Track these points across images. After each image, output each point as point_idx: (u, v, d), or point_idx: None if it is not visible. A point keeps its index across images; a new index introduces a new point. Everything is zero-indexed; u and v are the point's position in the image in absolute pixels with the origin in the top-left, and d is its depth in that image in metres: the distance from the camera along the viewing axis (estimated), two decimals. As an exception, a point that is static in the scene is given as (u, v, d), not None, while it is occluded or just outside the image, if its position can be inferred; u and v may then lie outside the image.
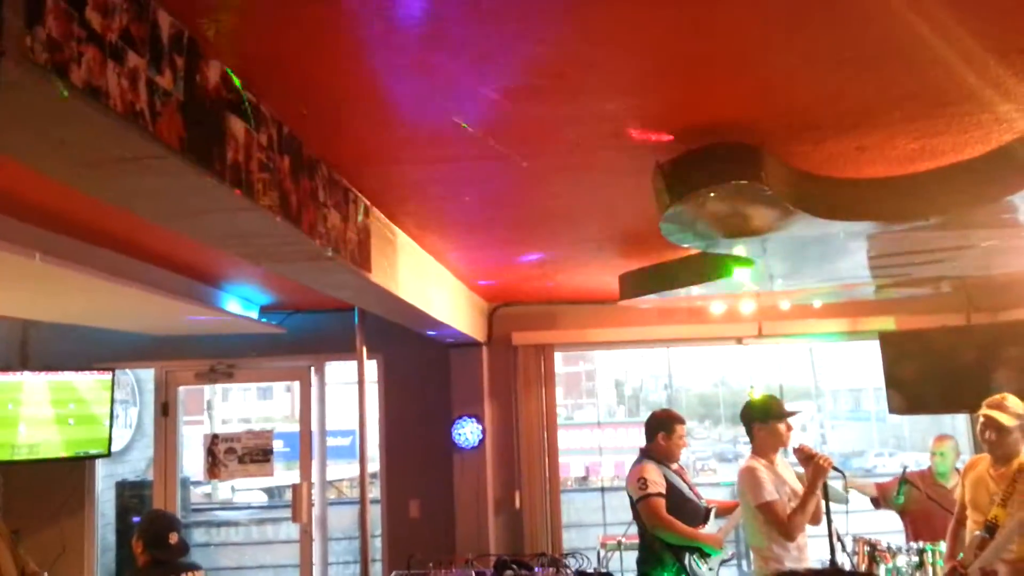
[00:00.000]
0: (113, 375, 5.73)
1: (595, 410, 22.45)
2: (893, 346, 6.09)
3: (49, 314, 5.22)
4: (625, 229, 4.27)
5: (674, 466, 4.80)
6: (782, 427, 4.27)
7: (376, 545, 6.05)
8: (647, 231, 3.76)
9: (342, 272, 3.08)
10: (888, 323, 6.34)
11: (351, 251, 3.07)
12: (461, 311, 5.34)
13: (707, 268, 4.45)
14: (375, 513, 6.12)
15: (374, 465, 6.22)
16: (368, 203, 3.40)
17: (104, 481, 5.98)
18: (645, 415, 5.08)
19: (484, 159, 3.00)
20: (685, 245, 3.59)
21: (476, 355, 6.08)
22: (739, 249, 3.77)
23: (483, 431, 5.90)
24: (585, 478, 13.17)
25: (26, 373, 5.40)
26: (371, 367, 6.14)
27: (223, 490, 9.98)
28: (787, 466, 4.39)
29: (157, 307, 4.64)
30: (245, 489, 9.81)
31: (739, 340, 6.48)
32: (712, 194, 2.81)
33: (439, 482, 5.86)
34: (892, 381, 6.07)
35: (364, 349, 4.88)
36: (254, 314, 5.75)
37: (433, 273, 4.63)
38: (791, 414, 4.33)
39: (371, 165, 3.05)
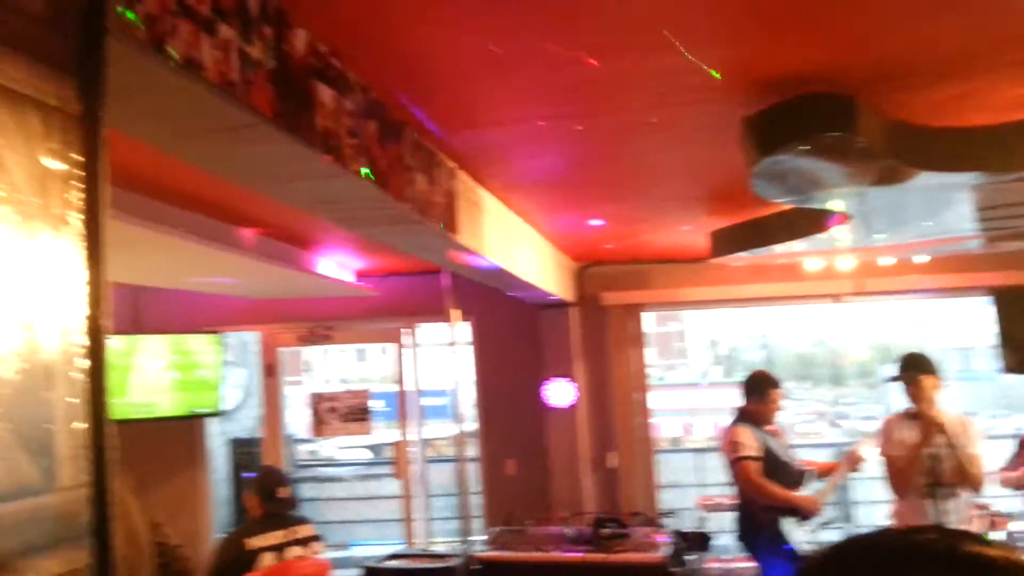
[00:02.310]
0: (220, 338, 6.03)
1: (689, 371, 22.23)
2: (1007, 303, 5.80)
3: (159, 280, 5.53)
4: (714, 185, 4.20)
5: (770, 428, 4.73)
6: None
7: (475, 502, 6.21)
8: (737, 187, 3.68)
9: (429, 235, 3.15)
10: (1000, 279, 6.03)
11: (438, 214, 3.13)
12: (548, 272, 5.37)
13: (803, 223, 4.33)
14: (473, 471, 6.27)
15: (470, 425, 6.36)
16: (454, 166, 3.45)
17: (217, 438, 6.32)
18: (740, 376, 5.01)
19: (569, 118, 3.00)
20: (777, 201, 3.50)
21: (566, 315, 6.10)
22: (834, 203, 3.65)
23: (575, 391, 5.94)
24: (681, 439, 13.11)
25: (142, 336, 5.74)
26: (465, 329, 6.27)
27: (328, 447, 10.38)
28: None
29: (258, 271, 4.85)
30: (350, 446, 10.17)
31: (836, 298, 6.28)
32: (803, 147, 2.73)
33: (534, 441, 5.95)
34: (1006, 340, 5.80)
35: (456, 310, 4.98)
36: (350, 278, 5.93)
37: (520, 234, 4.66)
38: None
39: (457, 128, 3.09)
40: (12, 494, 0.95)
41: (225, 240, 4.23)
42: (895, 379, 4.36)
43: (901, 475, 4.18)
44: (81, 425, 1.06)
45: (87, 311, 1.12)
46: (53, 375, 1.05)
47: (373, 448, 9.93)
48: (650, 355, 6.41)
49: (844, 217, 3.92)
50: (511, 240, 4.45)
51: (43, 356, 1.04)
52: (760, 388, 4.72)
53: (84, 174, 1.18)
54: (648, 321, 6.48)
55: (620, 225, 5.11)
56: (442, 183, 3.31)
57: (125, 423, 5.52)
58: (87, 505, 1.04)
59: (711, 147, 3.39)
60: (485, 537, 5.04)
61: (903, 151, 3.03)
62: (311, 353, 14.71)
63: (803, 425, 14.98)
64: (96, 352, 1.11)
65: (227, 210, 4.05)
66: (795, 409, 16.04)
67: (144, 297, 6.20)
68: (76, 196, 1.16)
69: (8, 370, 0.98)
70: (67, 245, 1.13)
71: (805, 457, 5.18)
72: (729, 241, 4.99)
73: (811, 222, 4.23)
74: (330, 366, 17.74)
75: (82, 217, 1.16)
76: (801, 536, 4.37)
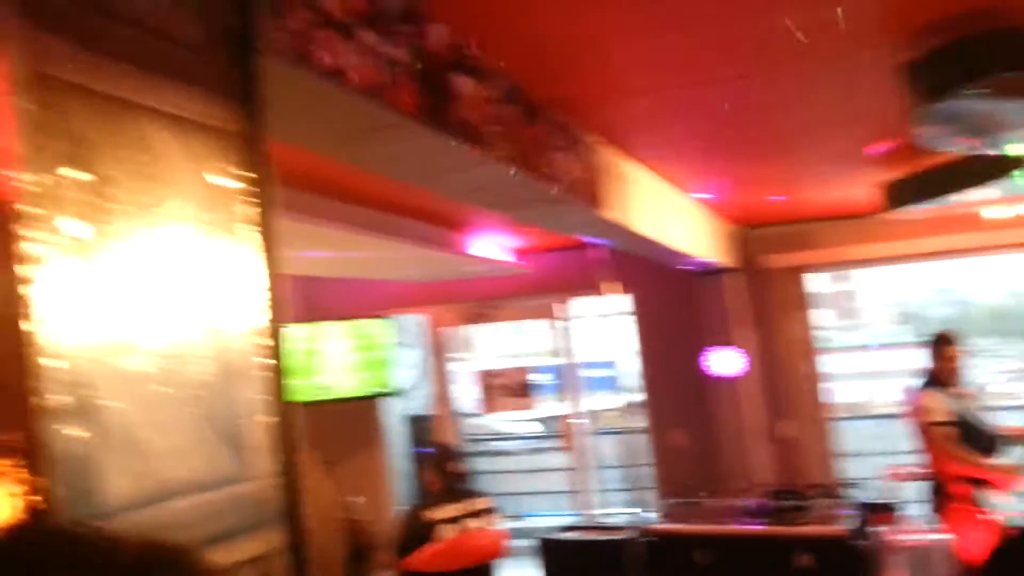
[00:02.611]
0: (392, 321, 6.34)
1: (870, 331, 21.02)
2: None
3: (333, 271, 5.88)
4: (876, 137, 3.95)
5: (961, 390, 4.42)
6: None
7: (645, 474, 6.21)
8: (902, 137, 3.45)
9: (574, 212, 3.17)
10: None
11: (582, 190, 3.14)
12: (705, 238, 5.25)
13: (986, 169, 3.98)
14: (642, 443, 6.26)
15: (636, 396, 6.35)
16: (598, 140, 3.45)
17: (394, 417, 6.67)
18: (926, 335, 4.74)
19: (714, 81, 2.92)
20: (947, 149, 3.25)
21: (727, 282, 5.95)
22: (1016, 148, 3.33)
23: (743, 358, 5.79)
24: (863, 404, 12.45)
25: (323, 323, 6.13)
26: (624, 301, 6.25)
27: (499, 422, 10.66)
28: None
29: (420, 256, 5.06)
30: (520, 420, 10.40)
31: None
32: (978, 89, 2.51)
33: (702, 412, 5.86)
34: None
35: (610, 283, 4.97)
36: (507, 257, 6.06)
37: (672, 203, 4.59)
38: None
39: (598, 102, 3.09)
40: (215, 483, 1.08)
41: (391, 231, 4.45)
42: None
43: None
44: (268, 418, 1.17)
45: (268, 314, 1.24)
46: (241, 374, 1.17)
47: (543, 421, 10.12)
48: (826, 317, 6.11)
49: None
50: (662, 210, 4.39)
51: (231, 357, 1.16)
52: (937, 347, 4.47)
53: (252, 187, 1.29)
54: (823, 281, 6.19)
55: (778, 186, 4.92)
56: (585, 159, 3.32)
57: (311, 405, 5.96)
58: (278, 491, 1.16)
59: (869, 97, 3.20)
60: (659, 509, 5.02)
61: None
62: (472, 332, 15.10)
63: (999, 385, 13.83)
64: (277, 351, 1.22)
65: (391, 201, 4.24)
66: (990, 367, 14.84)
67: (317, 286, 6.61)
68: (247, 208, 1.28)
69: (207, 372, 1.11)
70: (244, 253, 1.25)
71: (1002, 421, 4.81)
72: (905, 192, 4.66)
73: (995, 167, 3.89)
74: (491, 343, 18.21)
75: (256, 226, 1.27)
76: (998, 506, 4.07)
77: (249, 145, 1.28)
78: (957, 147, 3.23)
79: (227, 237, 1.21)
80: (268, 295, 1.23)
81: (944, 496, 4.21)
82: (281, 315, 1.23)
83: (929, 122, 2.86)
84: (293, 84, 1.66)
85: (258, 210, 1.25)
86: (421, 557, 3.66)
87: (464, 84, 2.28)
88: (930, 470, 4.35)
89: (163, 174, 1.13)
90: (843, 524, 4.37)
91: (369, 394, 6.18)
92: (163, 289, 1.10)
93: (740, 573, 4.33)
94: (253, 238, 1.24)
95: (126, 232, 1.05)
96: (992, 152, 3.47)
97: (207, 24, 1.27)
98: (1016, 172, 3.83)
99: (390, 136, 2.02)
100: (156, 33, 1.20)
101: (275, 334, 1.21)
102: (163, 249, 1.11)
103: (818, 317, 6.19)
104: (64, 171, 0.99)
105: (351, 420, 6.38)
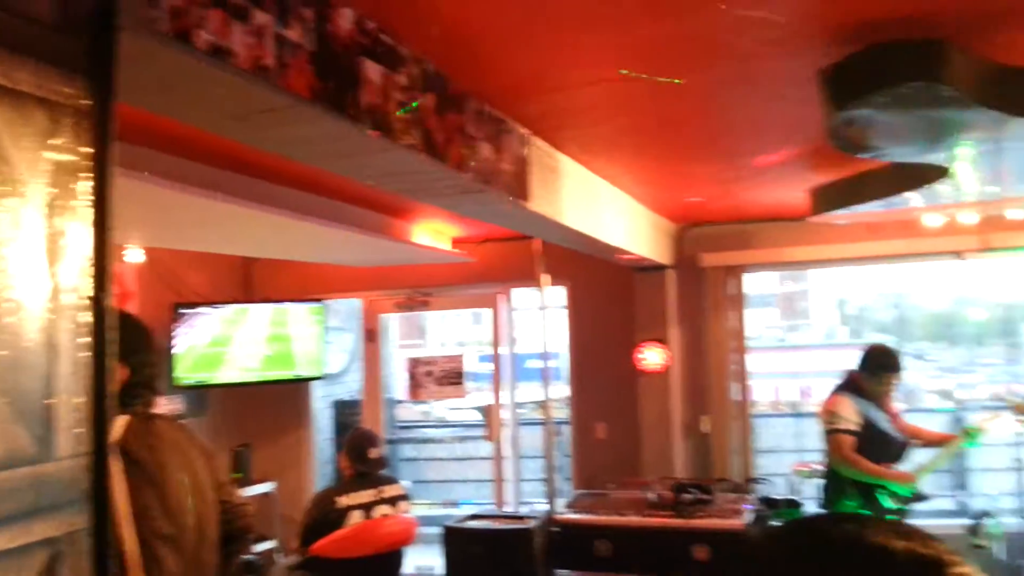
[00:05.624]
0: (324, 305, 6.29)
1: (815, 331, 21.42)
2: None
3: (265, 251, 5.81)
4: (808, 141, 4.00)
5: (882, 405, 4.48)
6: None
7: (565, 464, 6.27)
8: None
9: (498, 203, 3.16)
10: None
11: (506, 182, 3.13)
12: (642, 234, 5.28)
13: (905, 178, 4.06)
14: (566, 434, 6.32)
15: (563, 389, 6.40)
16: (527, 132, 3.43)
17: (323, 401, 6.64)
18: (868, 338, 4.79)
19: (646, 79, 2.91)
20: (859, 157, 3.30)
21: (662, 278, 6.00)
22: (931, 157, 3.41)
23: (668, 355, 5.85)
24: (794, 402, 12.70)
25: (250, 304, 6.06)
26: (559, 293, 6.27)
27: (440, 409, 10.67)
28: None
29: (358, 242, 5.01)
30: (458, 408, 10.42)
31: (958, 254, 5.89)
32: (881, 99, 2.55)
33: (627, 406, 5.92)
34: None
35: (546, 275, 4.99)
36: (446, 245, 6.03)
37: (607, 198, 4.60)
38: None
39: (527, 95, 3.07)
40: (10, 463, 1.05)
41: (325, 215, 4.40)
42: None
43: None
44: (80, 399, 1.15)
45: (91, 292, 1.21)
46: (57, 352, 1.14)
47: (478, 410, 10.17)
48: (772, 316, 6.19)
49: (947, 171, 3.66)
50: (596, 204, 4.40)
51: (45, 335, 1.13)
52: (875, 368, 4.41)
53: (92, 164, 1.26)
54: (772, 281, 6.27)
55: (716, 185, 4.96)
56: (514, 151, 3.31)
57: (236, 386, 5.90)
58: (85, 473, 1.14)
59: (796, 103, 3.23)
60: (568, 500, 5.06)
61: (1005, 98, 2.78)
62: (414, 319, 15.11)
63: (932, 388, 14.20)
64: (98, 330, 1.19)
65: (327, 185, 4.19)
66: (927, 371, 15.22)
67: (256, 267, 6.53)
68: (84, 185, 1.25)
69: (7, 349, 1.08)
70: (74, 230, 1.22)
71: (923, 424, 4.91)
72: (828, 198, 4.75)
73: (916, 176, 3.97)
74: (446, 330, 18.20)
75: (89, 203, 1.24)
76: (892, 507, 4.18)
77: (94, 121, 1.25)
78: (871, 155, 3.28)
79: (59, 213, 1.18)
80: (93, 271, 1.20)
81: (837, 495, 4.30)
82: (106, 296, 1.21)
83: (843, 129, 2.90)
84: (174, 63, 1.62)
85: (96, 188, 1.22)
86: (326, 543, 3.64)
87: (373, 70, 2.25)
88: (828, 470, 4.44)
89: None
90: (742, 518, 4.45)
91: (295, 378, 6.14)
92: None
93: (639, 564, 4.38)
94: (85, 214, 1.21)
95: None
96: (907, 160, 3.55)
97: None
98: (938, 180, 3.91)
99: (286, 118, 1.99)
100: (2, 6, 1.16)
101: (98, 312, 1.19)
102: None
103: (759, 316, 6.28)
104: None
105: (277, 403, 6.33)
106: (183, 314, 5.69)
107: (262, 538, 5.70)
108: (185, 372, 5.66)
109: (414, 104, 2.42)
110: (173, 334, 5.62)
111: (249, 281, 6.50)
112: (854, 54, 2.53)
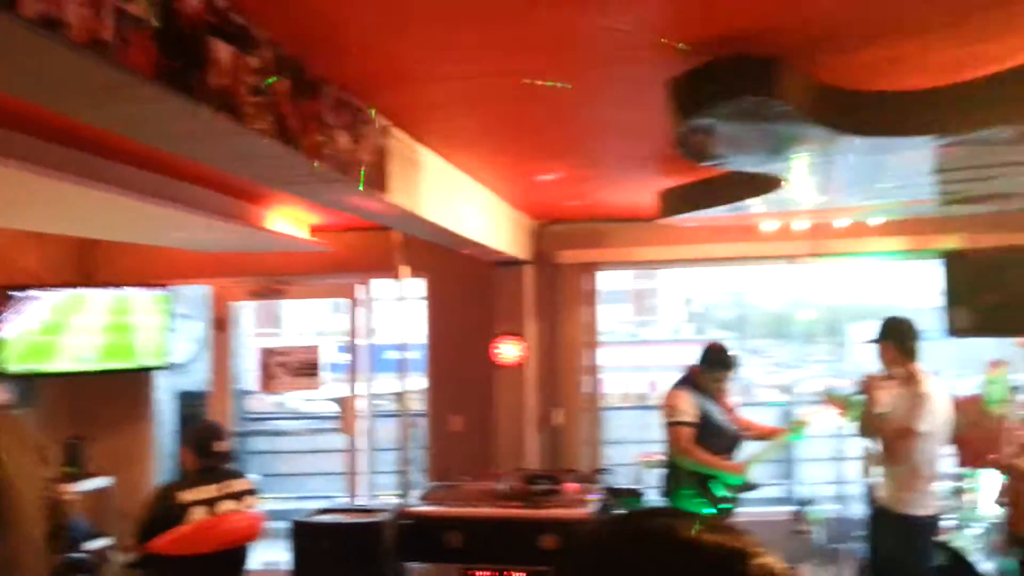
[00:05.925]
0: (170, 291, 6.01)
1: (663, 327, 22.35)
2: (957, 266, 5.84)
3: (103, 233, 5.48)
4: (658, 147, 4.17)
5: (718, 401, 4.75)
6: None
7: (420, 457, 6.27)
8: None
9: (352, 192, 3.12)
10: (952, 241, 6.06)
11: (363, 172, 3.10)
12: (501, 229, 5.35)
13: (747, 185, 4.32)
14: (421, 426, 6.32)
15: (420, 381, 6.39)
16: (387, 123, 3.41)
17: (167, 392, 6.33)
18: (710, 334, 5.06)
19: (506, 74, 2.95)
20: (704, 164, 3.49)
21: (520, 273, 6.10)
22: (768, 167, 3.65)
23: (524, 349, 5.97)
24: (642, 395, 13.23)
25: (88, 289, 5.71)
26: (418, 285, 6.27)
27: (294, 400, 10.40)
28: None
29: (207, 227, 4.80)
30: (313, 399, 10.20)
31: (791, 259, 6.31)
32: (723, 111, 2.71)
33: (483, 398, 5.99)
34: (954, 302, 5.84)
35: (405, 267, 4.97)
36: (303, 233, 5.89)
37: (467, 192, 4.63)
38: None
39: (387, 85, 3.05)
40: None
41: (171, 197, 4.19)
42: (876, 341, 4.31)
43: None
44: None
45: None
46: None
47: (333, 402, 10.00)
48: (624, 312, 6.41)
49: (783, 180, 3.93)
50: (456, 198, 4.42)
51: None
52: (713, 365, 4.71)
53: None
54: (625, 278, 6.50)
55: (572, 184, 5.09)
56: (373, 141, 3.28)
57: (73, 376, 5.55)
58: None
59: (647, 109, 3.37)
60: (421, 492, 5.08)
61: (832, 116, 3.01)
62: (287, 307, 14.70)
63: (768, 383, 15.15)
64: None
65: (179, 167, 3.99)
66: (763, 367, 16.19)
67: (98, 249, 6.15)
68: None
69: None
70: None
71: (756, 418, 5.25)
72: (676, 201, 4.99)
73: (755, 184, 4.23)
74: (304, 320, 17.74)
75: None
76: (722, 497, 4.46)
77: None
78: (714, 162, 3.47)
79: None
80: None
81: (676, 484, 4.56)
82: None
83: (689, 137, 3.06)
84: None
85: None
86: (165, 540, 3.49)
87: (222, 50, 2.17)
88: (667, 460, 4.69)
89: None
90: (588, 508, 4.62)
91: (136, 367, 5.84)
92: None
93: (488, 554, 4.47)
94: None
95: None
96: (747, 169, 3.78)
97: None
98: (775, 189, 4.19)
99: (126, 96, 1.90)
100: None
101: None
102: None
103: (608, 312, 6.48)
104: None
105: (117, 394, 6.00)
106: (12, 297, 5.29)
107: (97, 535, 5.40)
108: (13, 360, 5.27)
109: (268, 81, 2.36)
110: (1, 318, 5.22)
111: (91, 264, 6.12)
112: (699, 67, 2.67)
